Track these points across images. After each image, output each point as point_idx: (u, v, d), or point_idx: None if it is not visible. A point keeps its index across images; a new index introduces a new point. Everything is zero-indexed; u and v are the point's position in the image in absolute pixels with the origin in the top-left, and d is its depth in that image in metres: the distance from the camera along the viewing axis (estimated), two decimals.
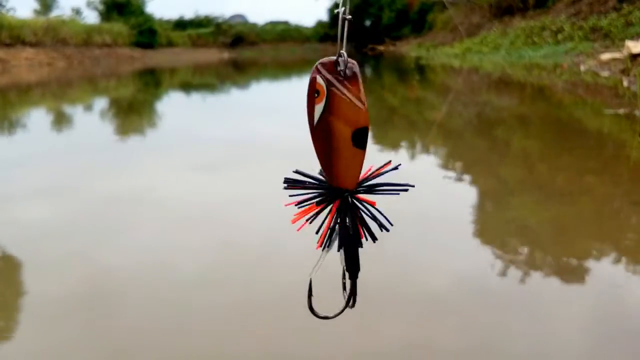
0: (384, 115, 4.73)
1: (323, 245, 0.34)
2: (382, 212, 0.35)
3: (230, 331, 1.05)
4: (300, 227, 0.35)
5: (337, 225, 0.34)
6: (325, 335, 1.01)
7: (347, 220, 0.34)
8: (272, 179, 2.29)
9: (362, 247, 0.35)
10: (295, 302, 1.13)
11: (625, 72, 5.71)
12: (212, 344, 1.00)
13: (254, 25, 32.80)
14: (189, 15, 30.78)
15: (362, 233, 0.35)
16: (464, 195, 1.99)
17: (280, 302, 1.15)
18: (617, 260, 1.35)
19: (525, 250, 1.45)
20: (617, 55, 6.87)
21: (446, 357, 0.95)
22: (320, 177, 0.35)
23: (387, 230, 0.34)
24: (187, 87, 8.92)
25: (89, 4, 22.98)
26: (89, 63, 15.97)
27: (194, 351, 0.97)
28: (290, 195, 0.35)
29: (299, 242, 1.54)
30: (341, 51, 0.32)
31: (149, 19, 22.65)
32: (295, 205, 0.34)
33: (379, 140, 3.41)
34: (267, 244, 1.51)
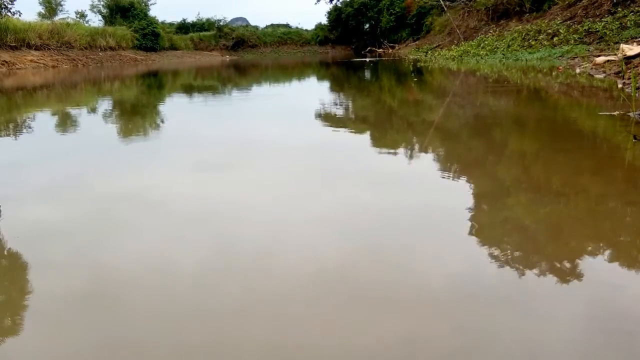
0: (383, 116, 4.78)
1: None
2: None
3: (229, 324, 1.08)
4: None
5: None
6: (322, 329, 1.05)
7: None
8: (272, 179, 2.35)
9: None
10: (295, 300, 1.17)
11: (619, 74, 5.83)
12: (212, 339, 1.02)
13: (255, 28, 32.97)
14: (191, 18, 31.07)
15: None
16: (460, 195, 2.01)
17: (280, 300, 1.17)
18: (611, 260, 1.36)
19: (520, 249, 1.46)
20: (611, 57, 7.00)
21: (442, 354, 0.96)
22: None
23: None
24: (189, 89, 9.00)
25: (93, 8, 23.20)
26: (93, 65, 16.11)
27: (195, 346, 0.99)
28: None
29: (298, 241, 1.53)
30: None
31: (152, 22, 22.83)
32: None
33: (378, 141, 3.46)
34: (267, 242, 1.53)
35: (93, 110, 5.80)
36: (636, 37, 8.14)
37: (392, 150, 3.06)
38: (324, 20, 30.41)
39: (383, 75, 10.90)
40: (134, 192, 2.17)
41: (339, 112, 5.25)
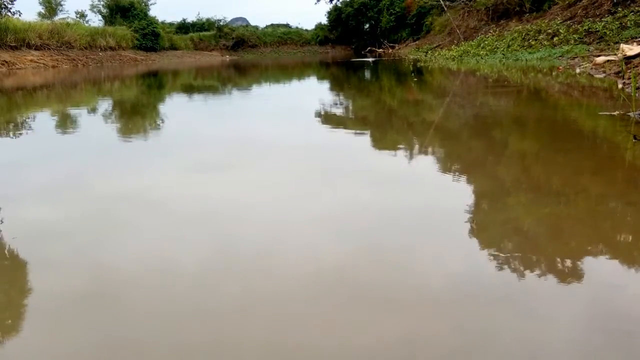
0: (383, 116, 4.79)
1: None
2: None
3: (228, 324, 1.08)
4: None
5: None
6: (322, 329, 1.05)
7: None
8: (271, 178, 2.35)
9: None
10: (295, 300, 1.17)
11: (619, 74, 5.83)
12: (212, 339, 1.02)
13: (255, 28, 32.98)
14: (191, 18, 31.13)
15: None
16: (461, 195, 2.01)
17: (280, 300, 1.17)
18: (611, 260, 1.37)
19: (520, 249, 1.46)
20: (611, 57, 7.00)
21: (442, 354, 0.96)
22: None
23: None
24: (189, 89, 9.01)
25: (93, 8, 23.22)
26: (93, 65, 16.12)
27: (195, 346, 1.00)
28: None
29: (298, 241, 1.53)
30: None
31: (152, 22, 22.84)
32: None
33: (378, 141, 3.47)
34: (267, 242, 1.54)
35: (93, 110, 5.81)
36: (636, 37, 8.14)
37: (392, 150, 3.06)
38: (324, 20, 30.48)
39: (383, 75, 10.91)
40: (133, 192, 2.17)
41: (339, 112, 5.26)
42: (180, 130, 4.18)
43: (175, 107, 6.23)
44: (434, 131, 3.69)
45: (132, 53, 20.52)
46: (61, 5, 21.73)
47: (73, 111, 5.71)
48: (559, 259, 1.39)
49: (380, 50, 23.72)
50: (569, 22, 10.79)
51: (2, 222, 1.79)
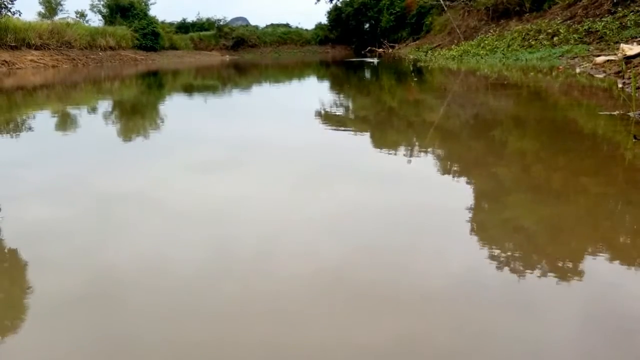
0: (383, 116, 4.79)
1: None
2: None
3: (228, 323, 1.08)
4: None
5: None
6: (322, 328, 1.05)
7: None
8: (271, 178, 2.36)
9: None
10: (295, 300, 1.17)
11: (620, 74, 5.83)
12: (212, 339, 1.02)
13: (255, 27, 33.00)
14: (191, 18, 31.17)
15: None
16: (461, 194, 2.02)
17: (281, 300, 1.17)
18: (612, 260, 1.37)
19: (520, 249, 1.46)
20: (611, 57, 7.00)
21: (442, 354, 0.96)
22: None
23: None
24: (189, 89, 9.01)
25: (93, 8, 23.23)
26: (93, 65, 16.10)
27: (194, 345, 1.00)
28: None
29: (298, 241, 1.53)
30: None
31: (152, 22, 22.84)
32: None
33: (378, 141, 3.48)
34: (267, 242, 1.55)
35: (93, 110, 5.80)
36: (636, 37, 8.14)
37: (392, 150, 3.07)
38: (324, 20, 30.51)
39: (383, 75, 10.91)
40: (133, 192, 2.17)
41: (339, 111, 5.26)
42: (180, 130, 4.18)
43: (175, 106, 6.23)
44: (434, 131, 3.69)
45: (132, 53, 20.50)
46: (61, 5, 21.77)
47: (73, 111, 5.70)
48: (559, 259, 1.40)
49: (380, 50, 23.71)
50: (569, 21, 10.80)
51: (1, 219, 1.79)
